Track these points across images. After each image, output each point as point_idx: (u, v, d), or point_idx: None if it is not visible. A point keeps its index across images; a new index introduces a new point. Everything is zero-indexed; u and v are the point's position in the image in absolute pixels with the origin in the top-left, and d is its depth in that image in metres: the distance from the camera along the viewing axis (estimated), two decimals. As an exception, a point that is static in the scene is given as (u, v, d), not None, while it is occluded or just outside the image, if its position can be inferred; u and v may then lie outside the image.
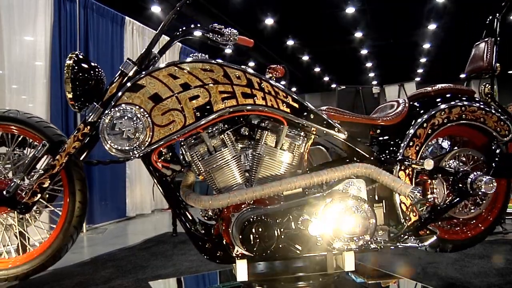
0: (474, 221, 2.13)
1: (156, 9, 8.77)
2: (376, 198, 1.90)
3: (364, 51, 14.13)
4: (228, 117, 1.69)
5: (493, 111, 2.02)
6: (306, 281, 1.84)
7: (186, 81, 1.62)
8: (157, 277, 2.42)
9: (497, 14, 2.15)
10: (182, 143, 1.74)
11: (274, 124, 1.75)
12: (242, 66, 1.70)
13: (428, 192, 1.88)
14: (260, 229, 1.55)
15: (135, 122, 1.59)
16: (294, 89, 17.92)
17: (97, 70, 1.82)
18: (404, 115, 1.96)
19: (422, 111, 1.97)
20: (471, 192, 1.90)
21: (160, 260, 2.87)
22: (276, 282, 1.83)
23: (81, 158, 1.86)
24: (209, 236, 1.74)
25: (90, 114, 1.73)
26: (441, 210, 1.93)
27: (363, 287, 2.06)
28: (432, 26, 11.39)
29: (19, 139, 2.09)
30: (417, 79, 16.33)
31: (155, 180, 1.73)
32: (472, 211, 2.07)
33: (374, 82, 17.29)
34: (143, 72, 1.65)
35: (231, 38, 1.82)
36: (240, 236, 1.55)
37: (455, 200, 1.94)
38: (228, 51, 11.42)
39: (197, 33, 1.85)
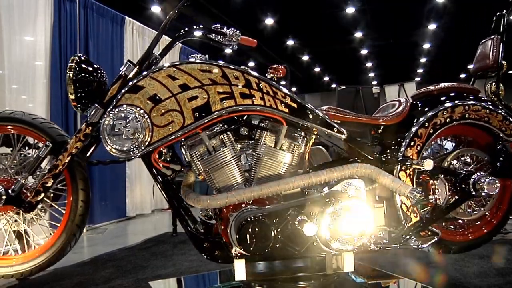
0: (478, 222, 2.06)
1: (156, 9, 8.77)
2: (377, 198, 1.87)
3: (364, 51, 14.13)
4: (227, 117, 1.69)
5: (498, 110, 1.95)
6: (306, 281, 1.83)
7: (184, 82, 1.64)
8: (157, 277, 2.42)
9: (505, 11, 2.11)
10: (182, 143, 1.74)
11: (273, 124, 1.74)
12: (241, 67, 1.70)
13: (430, 192, 1.86)
14: (256, 229, 1.55)
15: (134, 122, 1.60)
16: (294, 89, 17.92)
17: (99, 71, 1.85)
18: (405, 114, 1.93)
19: (424, 111, 1.93)
20: (473, 193, 1.86)
21: (160, 260, 2.87)
22: (275, 282, 1.82)
23: (86, 156, 1.91)
24: (209, 236, 1.74)
25: (92, 115, 1.76)
26: (443, 211, 1.89)
27: (363, 287, 2.06)
28: (432, 26, 11.40)
29: (24, 139, 2.13)
30: (417, 79, 16.35)
31: (156, 180, 1.74)
32: (475, 212, 2.01)
33: (374, 82, 17.29)
34: (143, 74, 1.66)
35: (233, 39, 1.82)
36: (237, 236, 1.55)
37: (457, 201, 1.91)
38: (228, 51, 11.40)
39: (199, 34, 1.84)
